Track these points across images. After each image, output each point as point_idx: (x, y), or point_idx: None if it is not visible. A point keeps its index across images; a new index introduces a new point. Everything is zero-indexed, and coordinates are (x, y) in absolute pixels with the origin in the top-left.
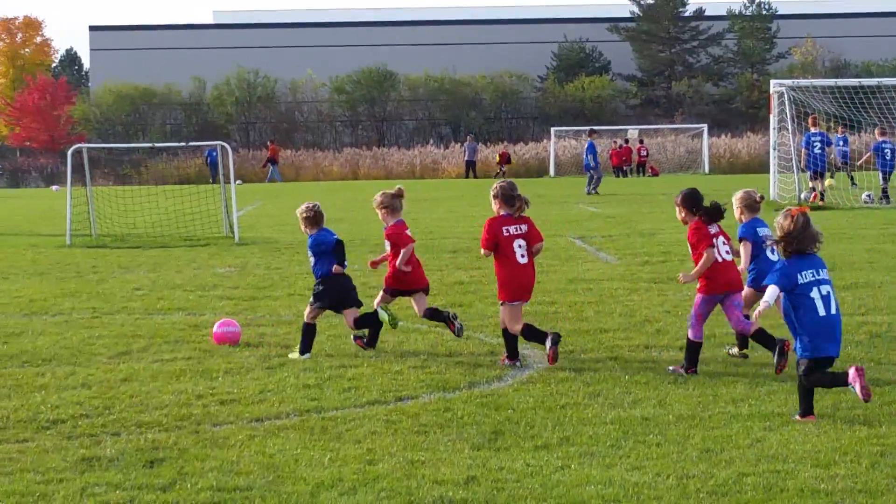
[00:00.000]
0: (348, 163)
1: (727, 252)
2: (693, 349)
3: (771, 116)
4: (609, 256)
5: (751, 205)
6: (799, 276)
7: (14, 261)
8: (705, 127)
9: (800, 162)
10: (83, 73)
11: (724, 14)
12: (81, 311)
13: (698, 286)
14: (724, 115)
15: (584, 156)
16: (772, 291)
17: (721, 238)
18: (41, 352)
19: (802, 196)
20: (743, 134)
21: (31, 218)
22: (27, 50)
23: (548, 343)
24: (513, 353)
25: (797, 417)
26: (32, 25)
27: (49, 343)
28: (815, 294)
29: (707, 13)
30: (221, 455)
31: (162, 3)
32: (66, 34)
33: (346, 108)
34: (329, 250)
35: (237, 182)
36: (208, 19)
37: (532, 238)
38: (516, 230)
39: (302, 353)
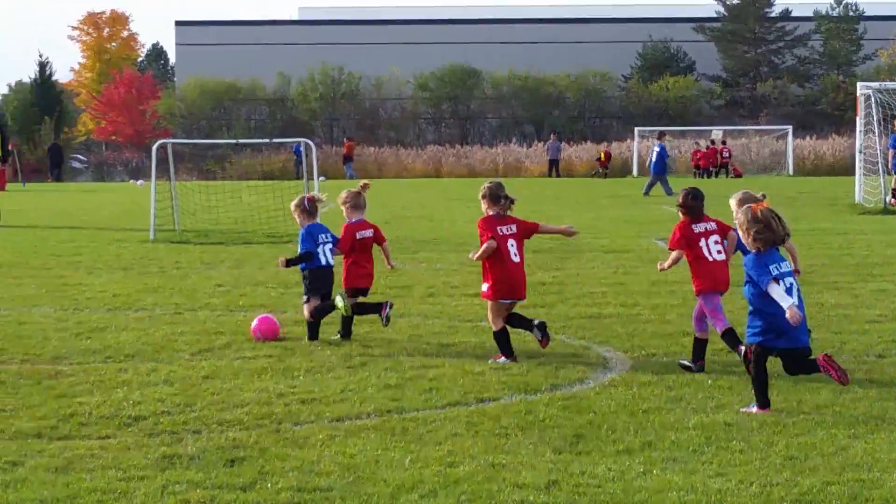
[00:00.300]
0: (431, 160)
1: (718, 252)
2: (698, 344)
3: (857, 119)
4: None
5: (747, 200)
6: (772, 269)
7: (99, 255)
8: (790, 128)
9: (886, 165)
10: (169, 67)
11: (811, 15)
12: (164, 307)
13: (694, 288)
14: (810, 116)
15: (656, 158)
16: (777, 290)
17: (714, 237)
18: (124, 347)
19: (888, 199)
20: (828, 136)
21: (116, 212)
22: (114, 44)
23: (536, 332)
24: (508, 352)
25: (754, 410)
26: (119, 20)
27: (132, 339)
28: (781, 286)
29: (793, 14)
30: (302, 455)
31: None
32: (153, 29)
33: (429, 106)
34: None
35: (320, 178)
36: (294, 15)
37: (524, 235)
38: (508, 230)
39: (311, 338)
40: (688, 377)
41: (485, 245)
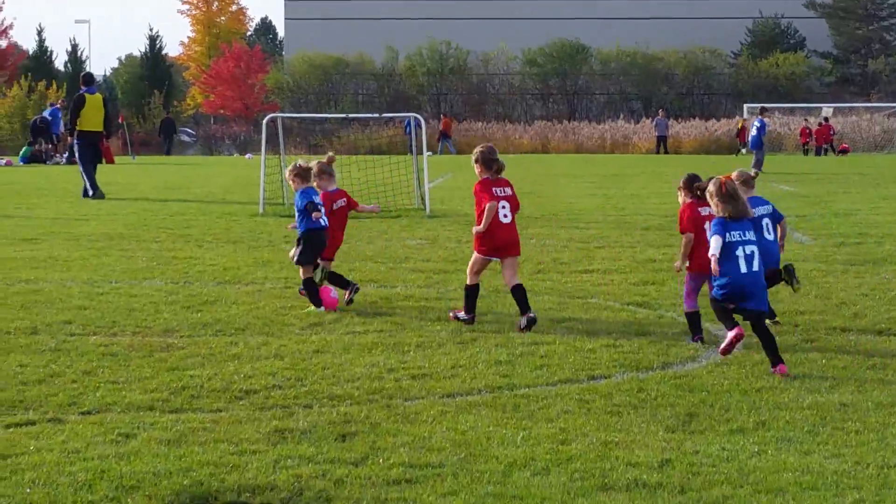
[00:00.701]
0: (538, 136)
1: None
2: (692, 319)
3: None
4: (804, 237)
5: (746, 181)
6: (728, 235)
7: (208, 228)
8: None
9: None
10: (277, 41)
11: None
12: (274, 281)
13: (687, 264)
14: None
15: (756, 133)
16: (715, 242)
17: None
18: (234, 321)
19: None
20: None
21: (225, 186)
22: (223, 18)
23: (522, 320)
24: (470, 308)
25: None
26: None
27: (242, 312)
28: (739, 252)
29: None
30: (413, 431)
31: None
32: (262, 3)
33: (537, 81)
34: (301, 209)
35: (428, 154)
36: None
37: (514, 201)
38: (502, 192)
39: (317, 306)
40: (801, 357)
41: (486, 209)
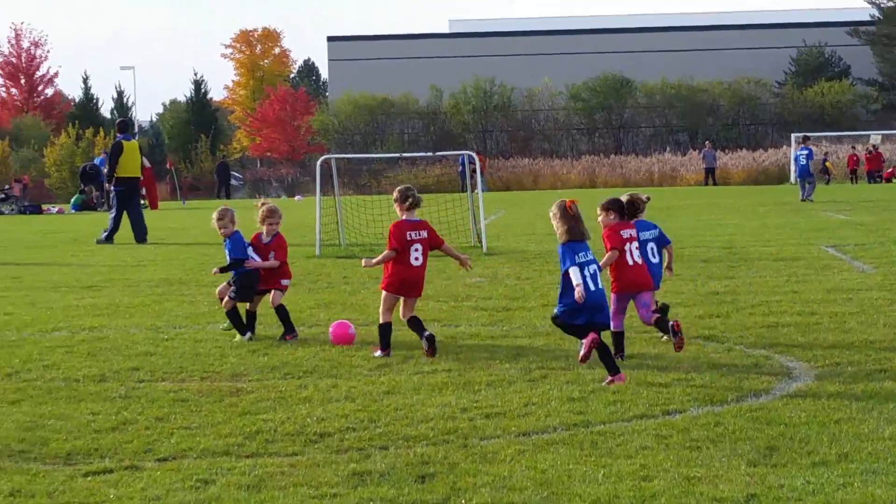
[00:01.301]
0: (585, 170)
1: (640, 256)
2: (616, 338)
3: None
4: (864, 266)
5: (636, 202)
6: (576, 257)
7: None
8: None
9: None
10: (321, 83)
11: None
12: None
13: (612, 286)
14: None
15: (804, 162)
16: (575, 273)
17: (635, 243)
18: (301, 364)
19: None
20: None
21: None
22: (266, 61)
23: (424, 343)
24: (385, 345)
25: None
26: (271, 37)
27: (308, 355)
28: (586, 272)
29: None
30: (493, 470)
31: (398, 13)
32: (304, 45)
33: (582, 116)
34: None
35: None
36: (444, 28)
37: (431, 243)
38: (416, 235)
39: (243, 333)
40: (876, 387)
41: (384, 254)
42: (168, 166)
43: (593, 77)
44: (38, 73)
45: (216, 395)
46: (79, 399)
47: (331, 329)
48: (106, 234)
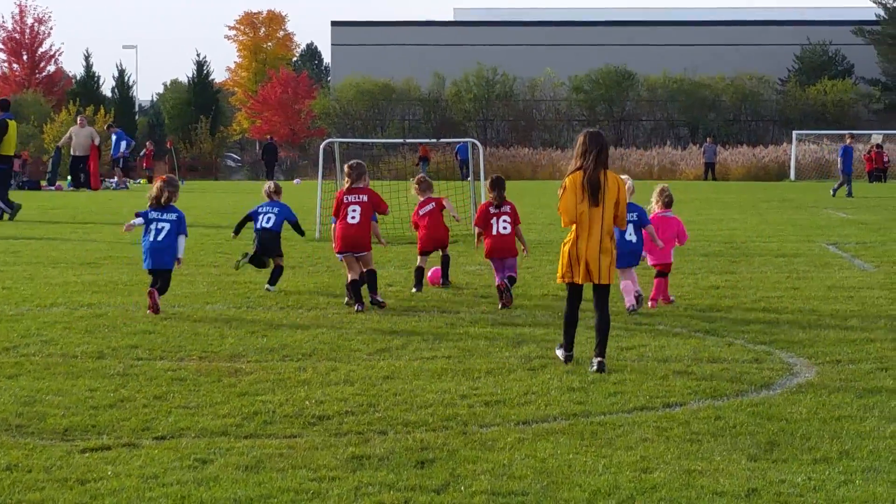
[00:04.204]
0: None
1: (504, 228)
2: (499, 292)
3: None
4: (865, 264)
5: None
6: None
7: None
8: None
9: None
10: (323, 67)
11: None
12: (336, 307)
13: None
14: None
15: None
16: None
17: (504, 217)
18: (301, 346)
19: None
20: None
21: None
22: (269, 44)
23: (357, 306)
24: (356, 299)
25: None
26: (276, 20)
27: (308, 337)
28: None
29: None
30: (492, 458)
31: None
32: (308, 29)
33: (584, 108)
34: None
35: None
36: (448, 16)
37: (372, 204)
38: (354, 198)
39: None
40: (877, 385)
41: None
42: (168, 146)
43: (596, 69)
44: (41, 50)
45: (215, 375)
46: (77, 375)
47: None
48: (9, 211)
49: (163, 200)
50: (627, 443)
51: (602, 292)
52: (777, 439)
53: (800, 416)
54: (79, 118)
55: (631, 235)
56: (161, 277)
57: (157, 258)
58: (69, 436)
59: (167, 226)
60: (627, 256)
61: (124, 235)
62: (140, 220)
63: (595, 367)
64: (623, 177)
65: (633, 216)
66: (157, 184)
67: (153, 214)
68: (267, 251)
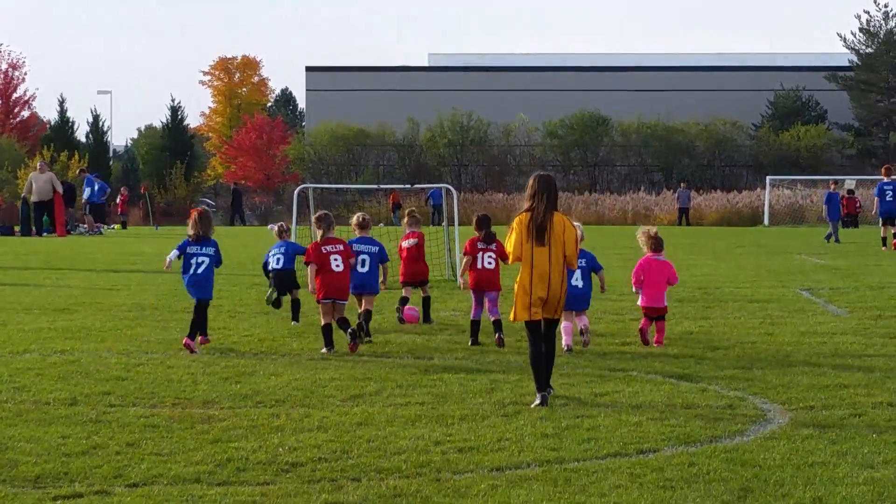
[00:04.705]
0: (560, 207)
1: (489, 263)
2: (472, 327)
3: None
4: (839, 310)
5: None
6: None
7: (239, 299)
8: None
9: None
10: (298, 112)
11: None
12: (311, 353)
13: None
14: None
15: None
16: None
17: (489, 253)
18: (274, 392)
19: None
20: None
21: (251, 256)
22: (244, 89)
23: (348, 337)
24: (328, 343)
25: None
26: (250, 65)
27: (281, 384)
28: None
29: None
30: None
31: (378, 45)
32: (282, 74)
33: (558, 153)
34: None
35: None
36: (423, 61)
37: (347, 253)
38: (333, 248)
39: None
40: (851, 431)
41: (309, 272)
42: (142, 191)
43: (570, 114)
44: (15, 95)
45: (188, 422)
46: (49, 422)
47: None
48: None
49: (201, 234)
50: (601, 489)
51: (549, 327)
52: (751, 486)
53: (773, 462)
54: (39, 164)
55: (578, 281)
56: (203, 307)
57: (200, 290)
58: (41, 483)
59: (206, 260)
60: (572, 301)
61: (97, 281)
62: (175, 254)
63: (538, 401)
64: (575, 223)
65: (582, 262)
66: (194, 217)
67: (192, 248)
68: (286, 288)
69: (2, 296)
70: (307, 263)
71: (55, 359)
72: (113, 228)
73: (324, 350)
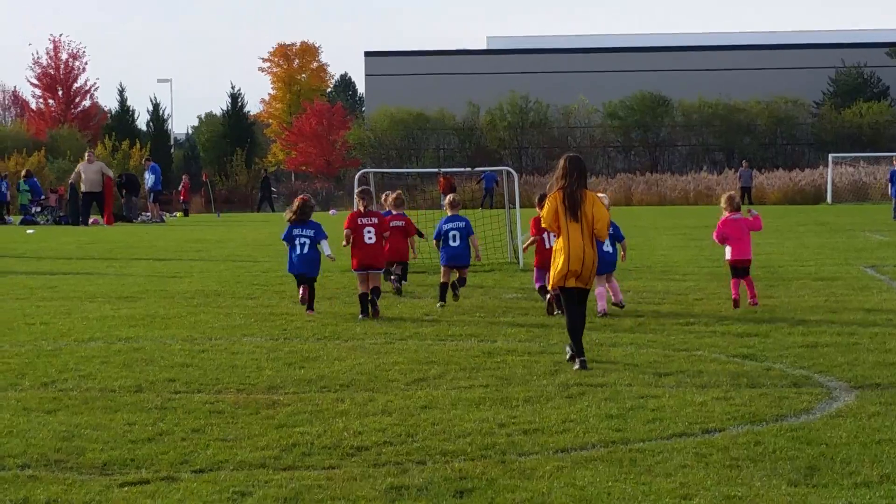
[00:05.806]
0: (621, 188)
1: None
2: (541, 291)
3: None
4: None
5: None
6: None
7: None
8: None
9: None
10: (357, 97)
11: None
12: (374, 337)
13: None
14: None
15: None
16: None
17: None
18: (338, 377)
19: None
20: None
21: None
22: (303, 76)
23: (360, 315)
24: (364, 310)
25: None
26: (309, 51)
27: (345, 368)
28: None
29: None
30: (531, 486)
31: (436, 29)
32: (341, 59)
33: (618, 134)
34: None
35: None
36: (482, 45)
37: (381, 227)
38: (368, 220)
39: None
40: None
41: (344, 236)
42: (203, 179)
43: (630, 95)
44: (76, 85)
45: (252, 408)
46: (115, 409)
47: None
48: None
49: (302, 217)
50: (666, 469)
51: (582, 296)
52: (817, 464)
53: (840, 440)
54: (87, 154)
55: (608, 247)
56: (308, 284)
57: (304, 268)
58: (108, 470)
59: (308, 241)
60: (604, 265)
61: (160, 269)
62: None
63: (578, 366)
64: (601, 195)
65: (609, 231)
66: (297, 203)
67: (295, 231)
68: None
69: (66, 285)
70: (346, 229)
71: (120, 346)
72: (175, 216)
73: (361, 316)
